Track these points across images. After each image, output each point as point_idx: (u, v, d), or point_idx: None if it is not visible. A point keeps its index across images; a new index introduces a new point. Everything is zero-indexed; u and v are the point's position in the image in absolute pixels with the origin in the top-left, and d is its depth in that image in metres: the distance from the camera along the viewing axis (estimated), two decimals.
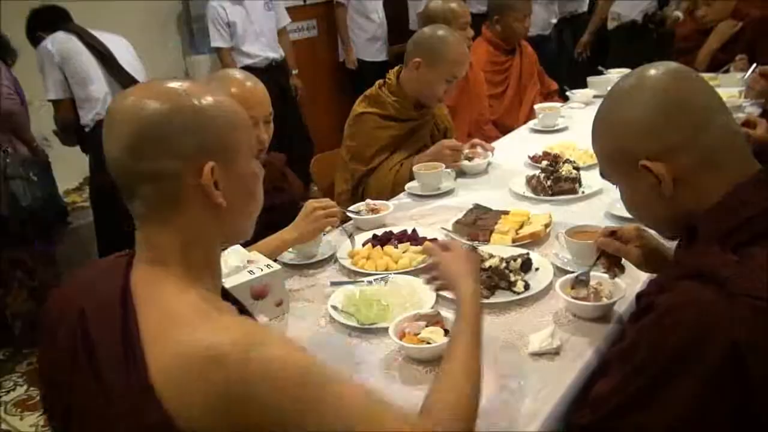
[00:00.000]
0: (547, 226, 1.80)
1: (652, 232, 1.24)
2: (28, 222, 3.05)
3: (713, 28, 3.34)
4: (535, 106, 3.10)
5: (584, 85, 3.42)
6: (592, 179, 2.07)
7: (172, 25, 4.86)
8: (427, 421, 0.93)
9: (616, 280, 1.40)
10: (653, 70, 1.04)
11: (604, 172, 1.13)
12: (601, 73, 3.54)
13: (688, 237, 1.04)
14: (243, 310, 1.03)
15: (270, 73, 4.35)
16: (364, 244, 1.84)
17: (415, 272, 1.65)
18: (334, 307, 1.50)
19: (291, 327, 1.52)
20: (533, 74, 3.59)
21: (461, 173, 2.39)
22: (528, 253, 1.60)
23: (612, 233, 1.37)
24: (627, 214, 1.19)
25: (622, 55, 3.85)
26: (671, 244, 1.20)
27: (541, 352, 1.28)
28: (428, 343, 1.27)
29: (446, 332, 1.29)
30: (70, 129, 3.41)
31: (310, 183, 3.08)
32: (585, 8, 5.32)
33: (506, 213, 1.90)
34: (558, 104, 3.19)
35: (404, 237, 1.83)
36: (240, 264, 1.51)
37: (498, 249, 1.65)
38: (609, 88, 1.12)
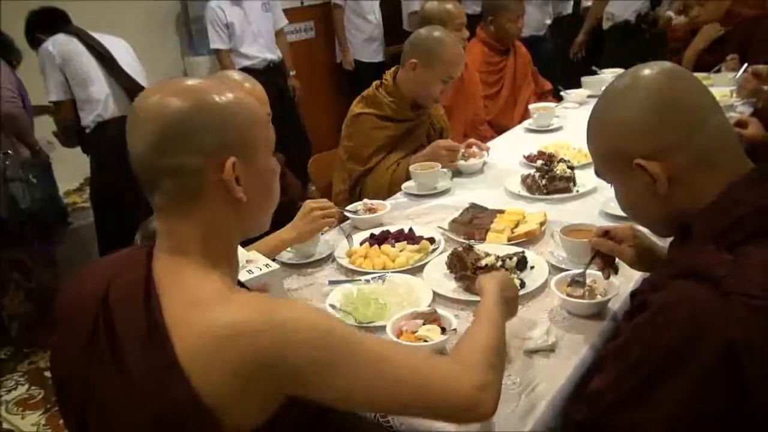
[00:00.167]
0: (542, 224, 1.80)
1: (646, 230, 1.23)
2: (27, 224, 3.04)
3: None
4: (530, 106, 3.10)
5: (578, 85, 3.42)
6: (586, 178, 2.08)
7: (170, 27, 4.85)
8: (453, 362, 0.99)
9: (611, 278, 1.39)
10: (647, 70, 1.04)
11: (599, 171, 1.13)
12: (594, 73, 3.54)
13: (682, 236, 1.04)
14: None
15: (268, 74, 4.35)
16: (361, 243, 1.83)
17: (412, 271, 1.64)
18: (333, 306, 1.49)
19: None
20: (527, 74, 3.59)
21: (457, 173, 2.39)
22: (523, 252, 1.60)
23: (605, 233, 1.37)
24: (621, 213, 1.18)
25: (616, 55, 3.85)
26: (664, 243, 1.20)
27: (536, 349, 1.28)
28: (425, 341, 1.27)
29: (443, 330, 1.29)
30: (71, 130, 3.40)
31: (308, 183, 3.07)
32: (569, 10, 5.32)
33: (502, 212, 1.90)
34: (552, 104, 3.19)
35: (401, 236, 1.83)
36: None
37: (494, 248, 1.65)
38: (603, 88, 1.12)
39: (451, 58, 2.37)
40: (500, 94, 3.47)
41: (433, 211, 2.08)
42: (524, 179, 2.14)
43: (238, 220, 0.98)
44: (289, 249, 1.79)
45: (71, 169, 3.79)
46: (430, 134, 2.61)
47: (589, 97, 3.23)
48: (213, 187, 0.93)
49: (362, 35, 5.17)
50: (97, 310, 0.92)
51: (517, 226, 1.81)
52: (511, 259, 1.54)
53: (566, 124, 2.92)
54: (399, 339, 1.29)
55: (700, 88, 1.03)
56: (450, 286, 1.54)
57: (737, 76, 2.92)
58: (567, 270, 1.50)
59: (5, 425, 2.69)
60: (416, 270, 1.65)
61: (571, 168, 2.10)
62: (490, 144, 2.60)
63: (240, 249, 1.55)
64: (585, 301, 1.37)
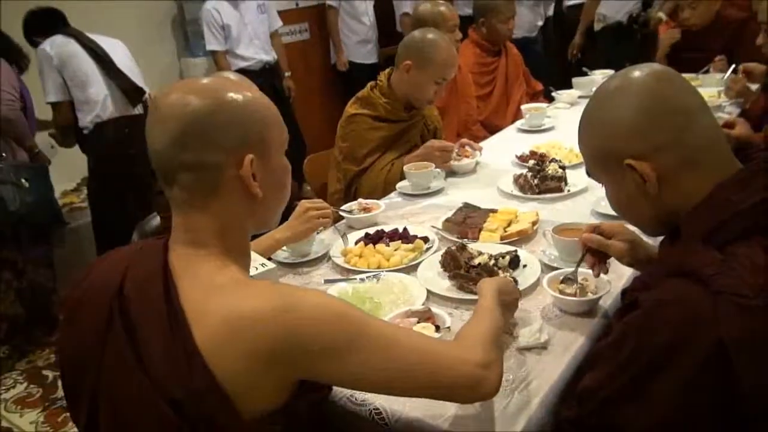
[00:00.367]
0: (534, 223, 1.80)
1: (636, 229, 1.24)
2: (17, 226, 3.02)
3: (696, 30, 3.36)
4: (522, 107, 3.10)
5: (569, 86, 3.42)
6: (577, 178, 2.08)
7: (167, 28, 4.83)
8: (458, 345, 1.02)
9: (602, 275, 1.40)
10: (638, 72, 1.04)
11: (591, 171, 1.13)
12: (585, 74, 3.55)
13: (672, 235, 1.04)
14: None
15: (264, 75, 4.35)
16: (356, 243, 1.83)
17: (406, 270, 1.64)
18: None
19: None
20: (519, 75, 3.59)
21: (450, 172, 2.39)
22: (516, 251, 1.60)
23: (595, 229, 1.37)
24: (612, 212, 1.19)
25: (608, 56, 3.85)
26: (654, 242, 1.21)
27: (529, 347, 1.28)
28: None
29: (437, 328, 1.29)
30: (69, 131, 3.38)
31: (303, 183, 3.07)
32: (551, 12, 5.32)
33: (494, 211, 1.90)
34: (544, 105, 3.19)
35: (395, 235, 1.83)
36: None
37: (487, 246, 1.65)
38: (593, 89, 1.12)
39: (444, 59, 2.37)
40: (492, 94, 3.47)
41: (427, 211, 2.07)
42: (516, 179, 2.14)
43: (252, 214, 1.00)
44: (284, 248, 1.78)
45: (68, 170, 3.77)
46: (424, 134, 2.61)
47: (580, 97, 3.24)
48: (230, 183, 0.95)
49: (356, 37, 5.17)
50: (112, 301, 0.94)
51: (509, 225, 1.81)
52: (503, 257, 1.54)
53: (558, 124, 2.92)
54: None
55: (690, 89, 1.03)
56: (444, 285, 1.54)
57: (725, 77, 2.93)
58: (559, 268, 1.50)
59: (4, 423, 2.68)
60: (410, 269, 1.65)
61: (563, 168, 2.11)
62: (482, 144, 2.60)
63: None
64: (577, 299, 1.37)
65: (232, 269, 0.95)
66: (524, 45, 4.25)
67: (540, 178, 2.06)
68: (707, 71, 3.21)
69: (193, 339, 0.86)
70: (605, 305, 1.39)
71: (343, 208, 2.04)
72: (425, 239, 1.78)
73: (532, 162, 2.20)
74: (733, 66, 2.92)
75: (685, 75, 1.07)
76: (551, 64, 5.06)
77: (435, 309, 1.36)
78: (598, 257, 1.36)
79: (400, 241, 1.78)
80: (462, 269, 1.51)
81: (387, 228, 1.89)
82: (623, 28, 4.43)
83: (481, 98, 3.40)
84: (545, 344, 1.28)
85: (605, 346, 0.98)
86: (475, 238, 1.77)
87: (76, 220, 3.63)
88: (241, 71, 4.15)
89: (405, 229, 1.85)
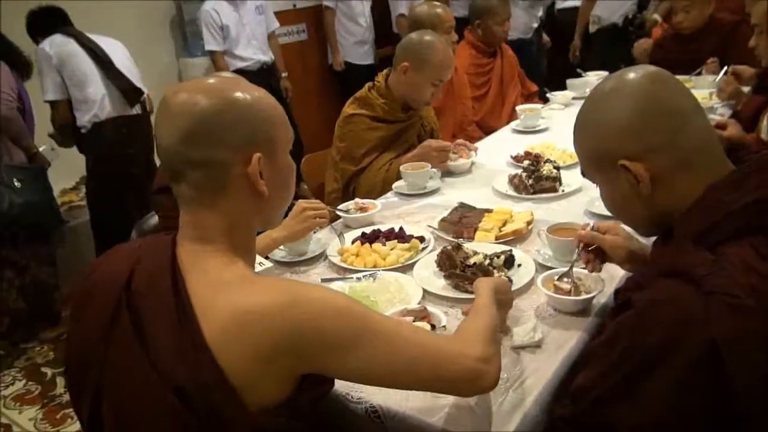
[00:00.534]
0: (529, 223, 1.80)
1: (630, 229, 1.24)
2: (10, 227, 3.02)
3: (688, 33, 3.37)
4: (517, 108, 3.11)
5: (563, 87, 3.43)
6: (572, 178, 2.08)
7: (165, 29, 4.81)
8: (458, 340, 1.04)
9: (596, 275, 1.40)
10: (632, 74, 1.04)
11: (585, 171, 1.14)
12: (579, 75, 3.55)
13: (665, 236, 1.04)
14: None
15: (261, 76, 4.35)
16: (353, 242, 1.83)
17: (402, 269, 1.64)
18: None
19: None
20: (514, 76, 3.59)
21: (446, 172, 2.39)
22: (511, 250, 1.60)
23: (591, 227, 1.39)
24: (606, 212, 1.19)
25: (603, 57, 3.85)
26: (648, 240, 1.21)
27: (523, 345, 1.28)
28: None
29: (433, 327, 1.28)
30: (67, 130, 3.38)
31: (300, 182, 3.07)
32: (541, 14, 5.33)
33: (490, 211, 1.90)
34: (538, 106, 3.20)
35: (392, 235, 1.83)
36: None
37: (482, 246, 1.65)
38: (587, 90, 1.12)
39: (441, 61, 2.37)
40: (488, 95, 3.47)
41: (423, 210, 2.07)
42: (511, 179, 2.14)
43: (259, 212, 1.01)
44: (282, 247, 1.78)
45: (67, 168, 3.76)
46: (421, 135, 2.61)
47: (574, 98, 3.24)
48: (238, 181, 0.96)
49: (353, 38, 5.16)
50: (120, 294, 0.94)
51: (504, 225, 1.82)
52: (498, 257, 1.54)
53: (552, 125, 2.93)
54: None
55: (684, 91, 1.04)
56: (439, 284, 1.54)
57: (717, 78, 2.94)
58: (553, 268, 1.50)
59: (3, 420, 2.67)
60: (406, 268, 1.65)
61: (557, 168, 2.11)
62: (478, 144, 2.60)
63: None
64: (570, 298, 1.37)
65: (239, 265, 0.96)
66: (519, 46, 4.25)
67: (535, 179, 2.06)
68: (700, 73, 3.21)
69: (202, 333, 0.87)
70: (599, 305, 1.39)
71: (339, 207, 2.03)
72: (421, 239, 1.78)
73: (526, 162, 2.20)
74: (726, 68, 2.93)
75: (678, 77, 1.07)
76: (546, 65, 5.07)
77: (431, 308, 1.36)
78: (592, 252, 1.37)
79: (396, 240, 1.78)
80: (457, 268, 1.51)
81: (383, 227, 1.89)
82: (618, 30, 4.43)
83: (477, 99, 3.40)
84: (539, 343, 1.28)
85: (598, 345, 0.98)
86: (471, 238, 1.77)
87: (75, 218, 3.63)
88: (239, 71, 4.14)
89: (401, 228, 1.85)
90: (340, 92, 5.09)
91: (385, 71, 2.52)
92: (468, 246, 1.61)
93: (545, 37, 5.15)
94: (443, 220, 1.87)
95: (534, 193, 2.05)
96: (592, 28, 4.59)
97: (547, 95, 3.39)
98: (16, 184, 3.01)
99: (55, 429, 2.58)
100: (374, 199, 2.16)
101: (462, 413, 1.10)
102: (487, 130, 3.18)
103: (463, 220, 1.85)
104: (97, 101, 3.27)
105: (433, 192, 2.23)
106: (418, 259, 1.67)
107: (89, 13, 3.55)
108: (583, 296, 1.37)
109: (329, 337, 0.89)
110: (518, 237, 1.76)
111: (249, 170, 0.95)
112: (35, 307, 3.25)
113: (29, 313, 3.23)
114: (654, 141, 0.99)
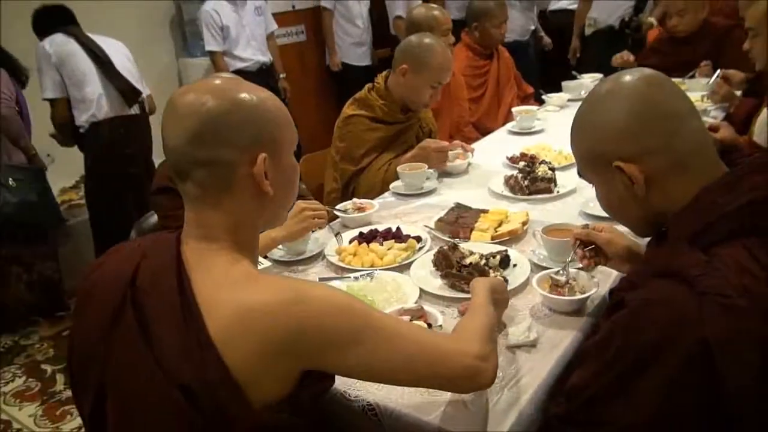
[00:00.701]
0: (524, 224, 1.80)
1: (626, 230, 1.24)
2: (5, 225, 3.02)
3: (683, 36, 3.37)
4: (513, 109, 3.11)
5: (559, 89, 3.43)
6: (566, 179, 2.09)
7: (165, 29, 4.80)
8: (456, 338, 1.05)
9: (590, 275, 1.40)
10: (629, 76, 1.05)
11: (582, 172, 1.14)
12: (574, 77, 3.55)
13: (659, 237, 1.04)
14: None
15: (260, 76, 4.34)
16: (350, 242, 1.83)
17: (399, 268, 1.64)
18: None
19: None
20: (510, 78, 3.60)
21: (443, 173, 2.39)
22: (506, 250, 1.60)
23: (585, 226, 1.41)
24: (600, 213, 1.19)
25: (598, 60, 3.84)
26: (643, 240, 1.21)
27: (519, 345, 1.28)
28: None
29: (429, 326, 1.29)
30: (66, 129, 3.36)
31: (299, 182, 3.06)
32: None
33: (486, 211, 1.90)
34: (534, 107, 3.20)
35: (389, 234, 1.83)
36: None
37: (478, 246, 1.66)
38: (582, 92, 1.13)
39: (440, 64, 2.37)
40: (484, 97, 3.47)
41: (420, 211, 2.07)
42: (507, 180, 2.14)
43: (263, 211, 1.02)
44: (280, 246, 1.78)
45: (67, 167, 3.74)
46: (419, 136, 2.61)
47: (570, 100, 3.24)
48: (243, 180, 0.96)
49: (350, 39, 5.16)
50: (125, 290, 0.95)
51: (500, 225, 1.82)
52: (494, 257, 1.54)
53: (547, 126, 2.93)
54: None
55: (679, 94, 1.04)
56: (436, 284, 1.54)
57: (710, 81, 2.95)
58: (548, 268, 1.50)
59: (3, 416, 2.67)
60: (403, 267, 1.65)
61: (552, 170, 2.11)
62: (474, 145, 2.60)
63: None
64: (565, 298, 1.38)
65: (243, 264, 0.96)
66: (515, 48, 4.25)
67: (530, 180, 2.07)
68: (693, 76, 3.22)
69: (207, 331, 0.87)
70: (593, 305, 1.40)
71: (337, 207, 2.03)
72: (418, 238, 1.78)
73: (522, 163, 2.20)
74: (719, 71, 2.94)
75: (672, 80, 1.07)
76: (541, 67, 5.07)
77: (427, 307, 1.36)
78: (587, 248, 1.38)
79: (393, 240, 1.78)
80: (454, 268, 1.52)
81: (380, 227, 1.89)
82: (614, 33, 4.42)
83: (473, 101, 3.41)
84: (534, 342, 1.28)
85: (593, 344, 0.98)
86: (467, 238, 1.77)
87: (75, 217, 3.63)
88: (239, 72, 4.14)
89: (398, 228, 1.85)
90: (338, 93, 5.09)
91: (384, 72, 2.52)
92: (464, 246, 1.61)
93: (546, 39, 5.15)
94: (440, 220, 1.87)
95: (529, 194, 2.06)
96: (588, 31, 4.58)
97: (543, 97, 3.40)
98: (11, 183, 3.02)
99: (55, 425, 2.58)
100: (374, 198, 2.15)
101: (458, 411, 1.10)
102: (484, 132, 3.18)
103: (459, 221, 1.85)
104: (94, 101, 3.26)
105: (429, 192, 2.23)
106: (415, 259, 1.67)
107: (89, 13, 3.54)
108: (578, 296, 1.38)
109: (331, 333, 0.90)
110: (514, 237, 1.76)
111: (254, 170, 0.96)
112: (42, 302, 3.29)
113: (36, 307, 3.28)
114: (649, 143, 0.99)
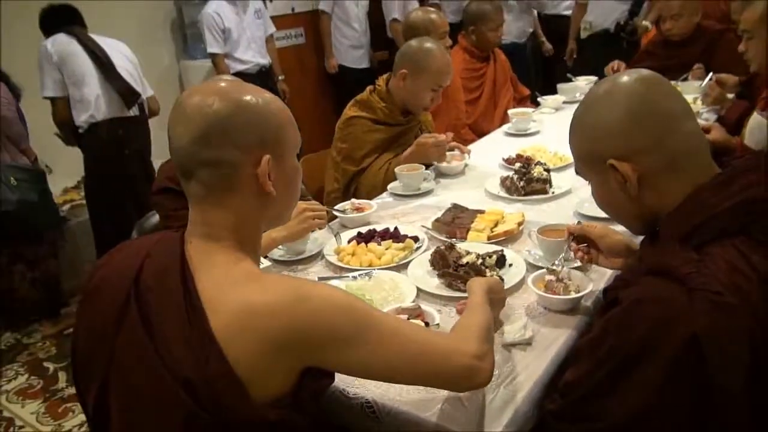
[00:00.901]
0: (520, 224, 1.80)
1: (622, 228, 1.24)
2: (4, 222, 3.03)
3: (676, 40, 3.38)
4: (509, 111, 3.11)
5: (554, 92, 3.43)
6: (562, 180, 2.09)
7: (166, 31, 4.80)
8: (454, 337, 1.05)
9: (584, 274, 1.41)
10: (626, 77, 1.06)
11: (578, 170, 1.15)
12: (570, 80, 3.56)
13: (652, 235, 1.05)
14: None
15: (260, 78, 4.35)
16: (349, 242, 1.83)
17: (397, 268, 1.65)
18: None
19: None
20: (506, 80, 3.60)
21: (440, 174, 2.40)
22: (502, 250, 1.60)
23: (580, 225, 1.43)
24: (595, 214, 1.20)
25: (593, 63, 3.85)
26: (637, 238, 1.22)
27: (514, 343, 1.28)
28: None
29: (426, 325, 1.29)
30: (67, 128, 3.36)
31: None
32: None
33: (482, 212, 1.90)
34: (530, 109, 3.20)
35: (387, 234, 1.83)
36: None
37: (474, 246, 1.66)
38: (577, 95, 1.14)
39: (439, 68, 2.37)
40: (480, 99, 3.47)
41: (418, 211, 2.08)
42: (503, 181, 2.15)
43: (265, 212, 1.02)
44: (280, 246, 1.78)
45: (69, 167, 3.74)
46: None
47: (565, 102, 3.25)
48: (246, 180, 0.97)
49: (348, 41, 5.16)
50: (130, 287, 0.95)
51: (496, 225, 1.82)
52: (490, 257, 1.55)
53: (543, 128, 2.93)
54: None
55: (676, 95, 1.04)
56: (433, 283, 1.54)
57: (703, 84, 2.95)
58: (543, 268, 1.51)
59: (6, 414, 2.67)
60: (401, 267, 1.65)
61: (548, 171, 2.12)
62: (471, 147, 2.60)
63: None
64: (560, 297, 1.38)
65: (246, 263, 0.97)
66: (512, 51, 4.25)
67: (526, 181, 2.07)
68: (686, 79, 3.23)
69: (210, 328, 0.88)
70: (587, 303, 1.40)
71: (336, 207, 2.03)
72: (415, 238, 1.78)
73: (518, 165, 2.21)
74: (711, 74, 2.94)
75: None
76: (543, 71, 5.07)
77: (424, 306, 1.36)
78: (581, 243, 1.40)
79: (391, 240, 1.79)
80: (450, 268, 1.52)
81: (379, 227, 1.89)
82: (610, 36, 4.42)
83: (470, 103, 3.41)
84: (530, 340, 1.29)
85: (586, 342, 0.99)
86: (463, 238, 1.77)
87: (77, 217, 3.62)
88: (239, 74, 4.14)
89: (396, 228, 1.86)
90: (337, 95, 5.08)
91: (385, 75, 2.53)
92: (461, 246, 1.62)
93: (547, 45, 5.15)
94: (437, 220, 1.88)
95: (525, 194, 2.06)
96: (584, 34, 4.58)
97: (538, 99, 3.40)
98: (12, 182, 3.02)
99: (57, 423, 2.57)
100: (374, 199, 2.16)
101: (455, 409, 1.11)
102: (480, 133, 3.18)
103: (456, 221, 1.85)
104: (92, 101, 3.26)
105: (427, 193, 2.24)
106: (413, 259, 1.67)
107: (90, 15, 3.53)
108: (573, 295, 1.38)
109: (332, 332, 0.90)
110: (509, 237, 1.76)
111: (258, 171, 0.96)
112: (44, 301, 3.31)
113: (39, 303, 3.29)
114: (642, 142, 1.00)
